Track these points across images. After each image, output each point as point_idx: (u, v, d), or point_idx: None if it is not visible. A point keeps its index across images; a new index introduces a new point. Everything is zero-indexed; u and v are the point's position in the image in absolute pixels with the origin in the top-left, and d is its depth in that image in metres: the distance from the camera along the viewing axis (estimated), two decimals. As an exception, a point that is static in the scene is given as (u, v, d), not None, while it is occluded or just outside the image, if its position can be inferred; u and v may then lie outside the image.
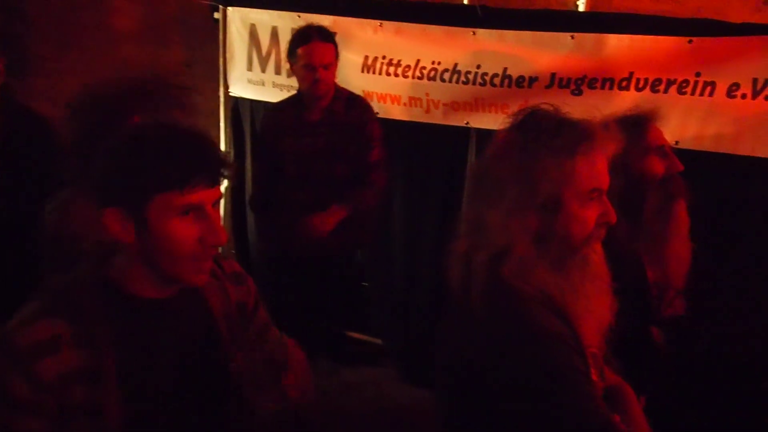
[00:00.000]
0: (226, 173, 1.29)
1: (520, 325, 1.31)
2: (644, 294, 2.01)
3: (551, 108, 1.40)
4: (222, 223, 1.36)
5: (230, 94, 3.98)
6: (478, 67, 3.15)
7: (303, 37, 3.04)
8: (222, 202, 2.97)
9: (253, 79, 3.83)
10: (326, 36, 3.05)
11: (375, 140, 3.17)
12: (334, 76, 3.11)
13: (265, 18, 3.72)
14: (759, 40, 2.76)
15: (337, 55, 3.09)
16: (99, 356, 1.24)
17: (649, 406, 1.88)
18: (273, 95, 3.68)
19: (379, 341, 3.84)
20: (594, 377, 1.40)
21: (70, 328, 1.23)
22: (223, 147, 3.89)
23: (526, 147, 1.35)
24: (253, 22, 3.77)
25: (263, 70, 3.77)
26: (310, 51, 3.01)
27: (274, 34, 3.69)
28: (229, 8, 3.84)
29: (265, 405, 1.37)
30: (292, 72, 3.25)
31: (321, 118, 3.13)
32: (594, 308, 1.40)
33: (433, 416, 1.51)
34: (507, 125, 1.42)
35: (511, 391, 1.29)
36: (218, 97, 4.01)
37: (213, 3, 3.91)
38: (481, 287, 1.34)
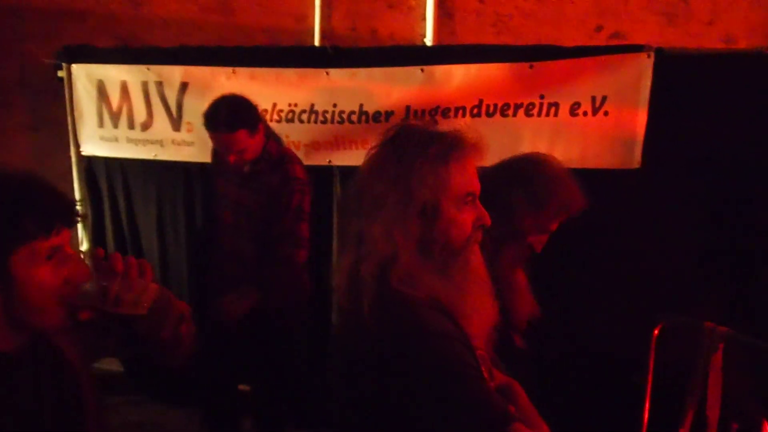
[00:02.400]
0: (79, 212, 1.35)
1: (411, 329, 1.32)
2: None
3: (421, 123, 1.48)
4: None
5: (82, 153, 3.80)
6: (335, 105, 3.19)
7: (208, 125, 2.78)
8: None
9: (105, 136, 3.68)
10: (231, 126, 2.73)
11: (290, 209, 2.86)
12: (256, 145, 2.82)
13: (112, 73, 3.60)
14: (592, 61, 2.97)
15: (253, 129, 2.78)
16: None
17: None
18: (128, 151, 3.56)
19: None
20: (486, 375, 1.43)
21: None
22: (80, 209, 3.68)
23: (402, 158, 1.38)
24: (100, 78, 3.64)
25: (115, 126, 3.63)
26: (217, 141, 2.80)
27: (124, 88, 3.58)
28: (74, 65, 3.69)
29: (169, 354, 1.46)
30: None
31: (249, 169, 2.86)
32: (479, 307, 1.44)
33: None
34: (380, 141, 1.45)
35: (409, 394, 1.29)
36: (69, 157, 3.82)
37: (56, 62, 3.74)
38: (370, 297, 1.36)
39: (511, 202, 1.92)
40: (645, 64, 2.90)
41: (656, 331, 2.55)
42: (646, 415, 2.62)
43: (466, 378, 1.31)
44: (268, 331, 2.95)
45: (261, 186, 2.86)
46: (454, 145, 1.39)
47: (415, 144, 1.39)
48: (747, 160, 2.83)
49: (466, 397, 1.29)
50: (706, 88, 2.89)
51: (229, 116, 2.74)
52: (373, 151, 1.45)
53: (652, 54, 2.89)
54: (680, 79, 2.90)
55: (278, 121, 3.28)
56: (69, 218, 1.32)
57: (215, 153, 2.98)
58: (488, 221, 1.45)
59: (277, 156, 2.91)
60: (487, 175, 1.53)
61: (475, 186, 1.43)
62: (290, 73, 3.26)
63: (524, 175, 1.97)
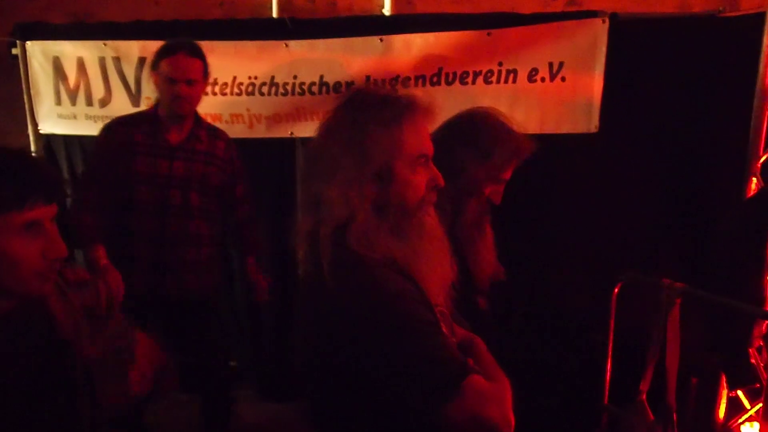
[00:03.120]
0: (60, 190, 1.40)
1: (369, 288, 1.35)
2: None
3: (374, 88, 1.50)
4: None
5: (40, 131, 3.73)
6: (295, 77, 3.18)
7: (168, 48, 2.75)
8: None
9: (63, 113, 3.62)
10: (194, 50, 2.76)
11: (241, 176, 2.96)
12: (199, 97, 2.82)
13: (68, 49, 3.53)
14: (549, 28, 3.00)
15: (205, 74, 2.81)
16: None
17: None
18: (87, 128, 3.50)
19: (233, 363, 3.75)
20: (445, 330, 1.45)
21: None
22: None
23: (356, 121, 1.40)
24: (56, 54, 3.57)
25: (73, 103, 3.57)
26: (174, 63, 2.71)
27: (81, 65, 3.52)
28: (28, 42, 3.61)
29: (111, 399, 1.47)
30: (154, 86, 2.85)
31: (181, 142, 2.81)
32: (435, 266, 1.47)
33: (293, 427, 1.52)
34: (335, 105, 1.47)
35: (368, 351, 1.32)
36: (27, 136, 3.75)
37: (9, 39, 3.66)
38: (328, 258, 1.38)
39: (462, 158, 1.97)
40: (600, 30, 2.94)
41: (616, 289, 2.62)
42: (609, 371, 2.69)
43: (423, 333, 1.34)
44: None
45: (207, 156, 2.86)
46: (407, 108, 1.42)
47: (368, 107, 1.42)
48: (700, 121, 2.89)
49: (423, 351, 1.32)
50: (661, 52, 2.94)
51: (193, 45, 2.78)
52: (328, 116, 1.47)
53: (607, 19, 2.93)
54: (635, 43, 2.95)
55: (238, 94, 3.26)
56: (45, 193, 1.33)
57: (123, 136, 2.81)
58: (442, 182, 1.48)
59: (207, 123, 2.95)
60: (434, 138, 1.57)
61: (429, 148, 1.46)
62: (249, 46, 3.24)
63: (469, 130, 2.03)
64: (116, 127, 2.85)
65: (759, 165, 2.75)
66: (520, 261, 2.60)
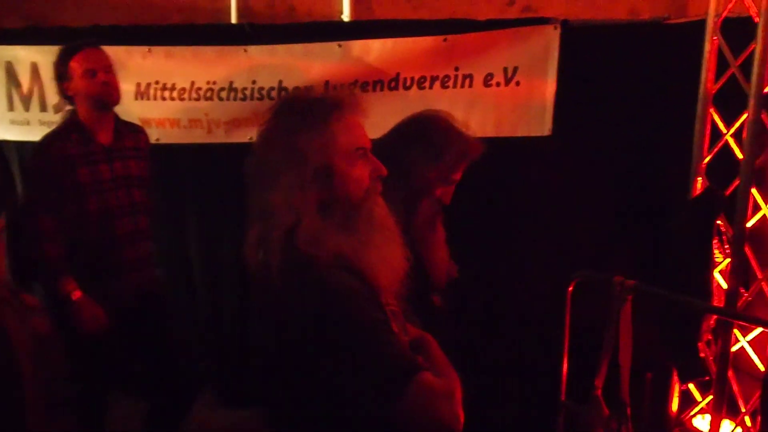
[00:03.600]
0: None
1: (318, 289, 1.38)
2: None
3: (300, 92, 1.57)
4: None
5: (-8, 138, 3.67)
6: (254, 82, 3.19)
7: (70, 49, 2.73)
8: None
9: (16, 119, 3.56)
10: (96, 44, 2.77)
11: (150, 168, 2.97)
12: (117, 87, 2.78)
13: (21, 54, 3.49)
14: (503, 34, 3.08)
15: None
16: None
17: None
18: (41, 134, 3.39)
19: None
20: (395, 329, 1.48)
21: None
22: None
23: (288, 127, 1.45)
24: (8, 59, 3.51)
25: (27, 109, 3.52)
26: (86, 56, 2.71)
27: (35, 69, 3.47)
28: (-21, 47, 3.55)
29: None
30: (68, 92, 2.77)
31: (111, 142, 2.80)
32: (386, 256, 1.50)
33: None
34: (267, 114, 1.51)
35: (321, 353, 1.35)
36: (-21, 144, 3.68)
37: (-41, 44, 3.59)
38: (278, 263, 1.41)
39: (413, 159, 2.01)
40: (552, 36, 3.02)
41: (571, 287, 2.69)
42: (565, 368, 2.76)
43: (372, 331, 1.37)
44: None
45: (135, 151, 2.88)
46: (334, 106, 1.48)
47: (297, 112, 1.47)
48: (649, 123, 2.99)
49: (372, 349, 1.35)
50: (611, 58, 3.04)
51: (91, 41, 2.78)
52: (262, 126, 1.52)
53: (559, 26, 3.01)
54: (586, 49, 3.03)
55: (197, 99, 3.26)
56: None
57: (58, 151, 2.74)
58: (384, 171, 1.53)
59: (122, 120, 2.92)
60: (383, 142, 1.65)
61: (364, 140, 1.51)
62: (208, 51, 3.24)
63: (419, 131, 2.08)
64: (47, 148, 2.77)
65: (704, 165, 2.86)
66: (476, 260, 2.66)
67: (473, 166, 2.80)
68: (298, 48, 3.17)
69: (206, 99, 3.25)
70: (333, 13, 3.62)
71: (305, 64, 3.16)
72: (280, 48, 3.18)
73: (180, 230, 3.43)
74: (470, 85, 3.09)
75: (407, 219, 2.02)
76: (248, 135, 3.27)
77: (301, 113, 1.45)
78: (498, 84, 3.07)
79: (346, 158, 1.47)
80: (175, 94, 3.28)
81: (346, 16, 3.56)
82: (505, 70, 3.06)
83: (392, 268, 1.51)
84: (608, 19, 3.51)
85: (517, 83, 3.06)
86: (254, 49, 3.20)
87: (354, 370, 1.34)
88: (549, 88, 3.03)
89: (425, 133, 2.07)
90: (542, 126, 3.04)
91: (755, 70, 2.63)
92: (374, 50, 3.12)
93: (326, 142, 1.44)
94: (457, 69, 3.09)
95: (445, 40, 3.07)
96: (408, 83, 3.12)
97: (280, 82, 3.18)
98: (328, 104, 1.48)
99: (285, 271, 1.40)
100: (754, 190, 2.71)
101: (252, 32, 3.19)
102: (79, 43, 2.76)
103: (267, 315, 1.48)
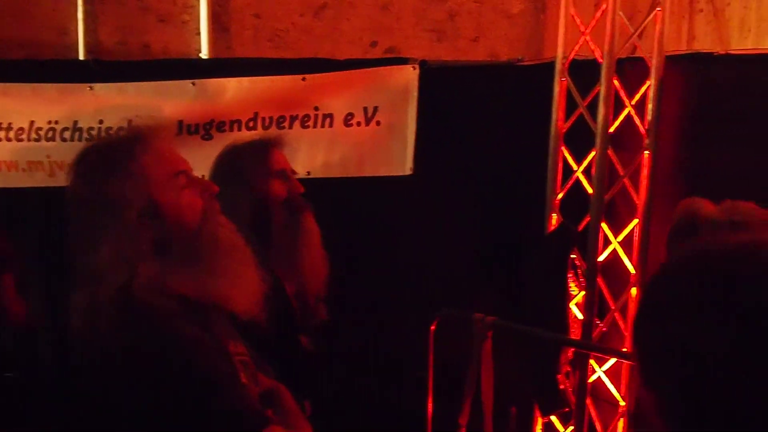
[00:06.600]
0: None
1: (157, 344, 1.29)
2: (286, 306, 2.07)
3: (94, 141, 1.47)
4: None
5: None
6: (101, 122, 3.00)
7: None
8: None
9: None
10: None
11: None
12: None
13: None
14: (363, 74, 3.09)
15: None
16: None
17: (315, 410, 1.98)
18: None
19: None
20: (244, 381, 1.41)
21: None
22: None
23: (94, 179, 1.37)
24: None
25: None
26: None
27: None
28: None
29: None
30: None
31: None
32: (237, 281, 1.43)
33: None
34: (68, 176, 1.43)
35: (163, 409, 1.27)
36: None
37: None
38: (111, 324, 1.30)
39: (242, 168, 2.11)
40: (411, 76, 3.06)
41: (433, 326, 2.67)
42: (430, 408, 2.73)
43: (216, 386, 1.30)
44: None
45: None
46: (135, 140, 1.41)
47: (98, 160, 1.40)
48: (506, 162, 3.06)
49: (218, 406, 1.29)
50: (469, 98, 3.12)
51: None
52: (67, 189, 1.43)
53: (417, 66, 3.06)
54: (446, 90, 3.10)
55: (37, 140, 3.02)
56: None
57: None
58: (215, 188, 1.47)
59: None
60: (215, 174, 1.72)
61: (181, 164, 1.44)
62: (49, 89, 3.02)
63: (241, 145, 2.25)
64: None
65: (557, 202, 2.95)
66: (341, 300, 2.60)
67: (337, 206, 2.80)
68: (149, 86, 3.02)
69: (47, 139, 3.02)
70: (191, 51, 3.50)
71: (157, 103, 3.01)
72: (130, 86, 3.02)
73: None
74: (330, 125, 3.06)
75: (263, 229, 2.02)
76: (95, 178, 3.08)
77: (103, 160, 1.37)
78: (359, 123, 3.06)
79: (168, 188, 1.38)
80: (12, 134, 3.01)
81: (204, 55, 3.46)
82: (365, 109, 3.06)
83: (247, 293, 1.44)
84: (470, 60, 3.61)
85: (378, 123, 3.06)
86: (101, 87, 3.02)
87: (200, 427, 1.27)
88: (409, 127, 3.06)
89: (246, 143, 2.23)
90: (403, 165, 3.06)
91: (600, 110, 2.76)
92: (230, 89, 3.03)
93: (139, 180, 1.35)
94: (317, 108, 3.05)
95: (303, 79, 3.04)
96: (267, 123, 3.04)
97: (130, 122, 2.99)
98: (129, 139, 1.41)
99: (119, 330, 1.30)
100: (604, 225, 2.82)
101: (98, 69, 3.02)
102: None
103: (104, 381, 1.34)
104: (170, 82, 3.01)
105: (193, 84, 3.01)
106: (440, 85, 3.08)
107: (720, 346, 0.77)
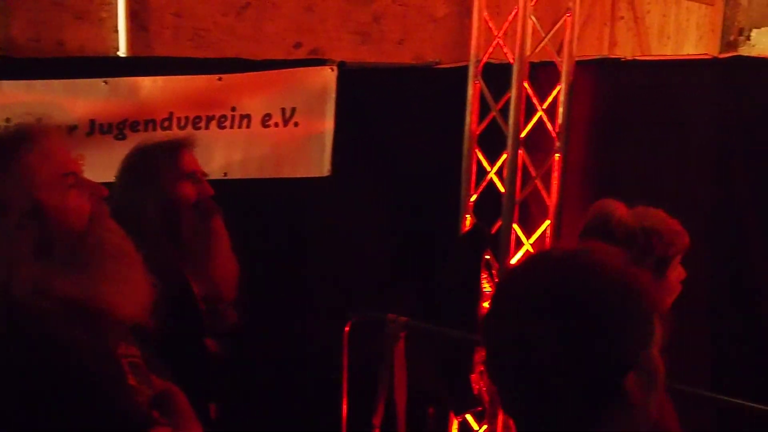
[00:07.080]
0: None
1: (38, 349, 1.26)
2: (193, 309, 2.05)
3: None
4: None
5: None
6: (7, 120, 2.89)
7: None
8: None
9: None
10: None
11: None
12: None
13: None
14: (281, 74, 3.07)
15: None
16: None
17: (220, 414, 1.98)
18: None
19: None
20: (133, 383, 1.39)
21: None
22: None
23: None
24: None
25: None
26: None
27: None
28: None
29: None
30: None
31: None
32: (123, 287, 1.40)
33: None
34: None
35: (49, 415, 1.24)
36: None
37: None
38: None
39: (152, 169, 2.03)
40: (329, 77, 3.05)
41: (347, 328, 2.67)
42: (345, 409, 2.73)
43: (98, 387, 1.28)
44: None
45: None
46: (20, 139, 1.37)
47: None
48: (423, 163, 3.09)
49: (98, 407, 1.26)
50: (387, 100, 3.13)
51: None
52: None
53: (336, 67, 3.06)
54: (364, 91, 3.11)
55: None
56: None
57: None
58: (105, 191, 1.44)
59: None
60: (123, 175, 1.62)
61: (70, 165, 1.40)
62: (-49, 87, 2.92)
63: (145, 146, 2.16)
64: None
65: (471, 203, 2.99)
66: (254, 303, 2.58)
67: (254, 207, 2.78)
68: (59, 84, 2.94)
69: (-51, 139, 2.92)
70: (108, 49, 3.42)
71: (68, 102, 2.93)
72: (39, 83, 2.92)
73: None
74: (248, 126, 3.03)
75: (172, 231, 1.99)
76: None
77: None
78: (276, 124, 3.04)
79: (54, 188, 1.34)
80: None
81: (122, 53, 3.38)
82: (283, 110, 3.04)
83: (132, 298, 1.41)
84: (387, 63, 3.64)
85: (296, 124, 3.05)
86: (8, 84, 2.92)
87: (80, 428, 1.24)
88: (327, 129, 3.05)
89: (150, 144, 2.13)
90: (321, 167, 3.05)
91: (511, 113, 2.82)
92: (144, 88, 2.97)
93: (22, 179, 1.31)
94: (234, 109, 3.02)
95: (220, 79, 3.00)
96: (182, 123, 3.00)
97: (39, 120, 2.92)
98: (12, 138, 1.36)
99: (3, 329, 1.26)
100: (515, 226, 2.87)
101: (5, 66, 2.93)
102: None
103: None
104: (81, 80, 2.93)
105: (106, 83, 2.94)
106: (359, 87, 3.09)
107: (549, 335, 0.86)
